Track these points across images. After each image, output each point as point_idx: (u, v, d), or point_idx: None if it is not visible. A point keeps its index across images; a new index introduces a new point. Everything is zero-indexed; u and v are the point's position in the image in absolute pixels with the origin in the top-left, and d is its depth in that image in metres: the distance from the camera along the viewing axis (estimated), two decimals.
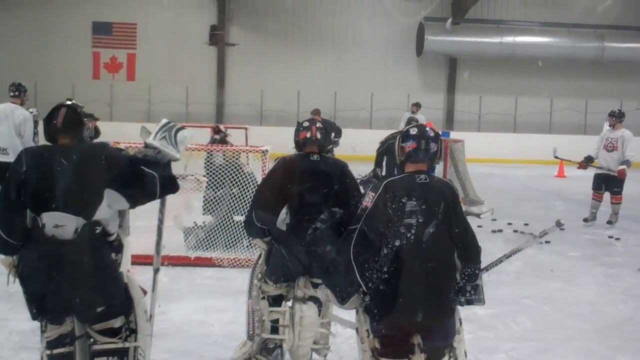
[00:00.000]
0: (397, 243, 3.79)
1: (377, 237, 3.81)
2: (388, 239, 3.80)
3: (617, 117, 12.37)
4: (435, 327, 3.92)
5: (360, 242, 3.82)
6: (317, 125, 5.14)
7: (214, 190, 9.16)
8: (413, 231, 3.79)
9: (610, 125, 12.43)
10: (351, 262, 3.82)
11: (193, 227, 9.44)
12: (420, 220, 3.80)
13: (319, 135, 5.09)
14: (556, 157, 13.38)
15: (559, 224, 4.33)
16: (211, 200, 9.21)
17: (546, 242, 10.43)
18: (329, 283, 4.17)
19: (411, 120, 11.52)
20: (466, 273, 3.93)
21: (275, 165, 5.20)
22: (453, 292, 3.92)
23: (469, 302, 4.00)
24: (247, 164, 9.58)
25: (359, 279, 3.82)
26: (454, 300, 3.94)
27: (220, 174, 9.09)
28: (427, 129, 4.11)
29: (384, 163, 10.42)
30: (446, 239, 3.86)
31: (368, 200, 3.88)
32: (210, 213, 9.30)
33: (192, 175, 9.98)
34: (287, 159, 5.13)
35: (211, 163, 9.45)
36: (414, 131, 4.05)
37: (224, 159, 9.35)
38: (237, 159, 9.30)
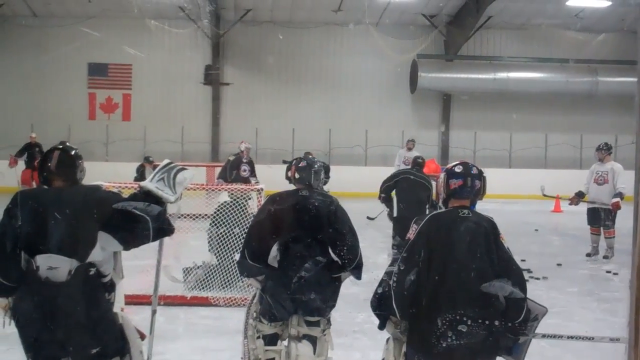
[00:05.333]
0: (433, 278, 3.89)
1: (411, 267, 3.92)
2: (423, 272, 3.91)
3: (605, 151, 12.40)
4: None
5: (401, 270, 3.93)
6: (299, 165, 5.27)
7: (217, 227, 9.13)
8: (444, 269, 3.88)
9: (599, 159, 12.46)
10: (390, 288, 3.95)
11: (192, 266, 9.40)
12: (455, 259, 3.89)
13: (297, 175, 5.24)
14: (545, 195, 13.46)
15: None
16: (214, 237, 9.18)
17: (543, 277, 10.41)
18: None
19: (417, 159, 11.62)
20: (501, 327, 3.92)
21: (264, 203, 5.27)
22: (488, 340, 3.90)
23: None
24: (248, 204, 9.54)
25: (394, 305, 3.92)
26: (491, 347, 3.94)
27: (223, 211, 9.08)
28: (471, 166, 4.24)
29: (394, 200, 10.59)
30: (477, 283, 3.87)
31: (411, 233, 4.02)
32: (214, 251, 9.25)
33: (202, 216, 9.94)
34: (276, 196, 5.19)
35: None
36: (459, 169, 4.19)
37: (229, 196, 9.34)
38: (242, 198, 9.28)
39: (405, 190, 10.68)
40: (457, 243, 3.91)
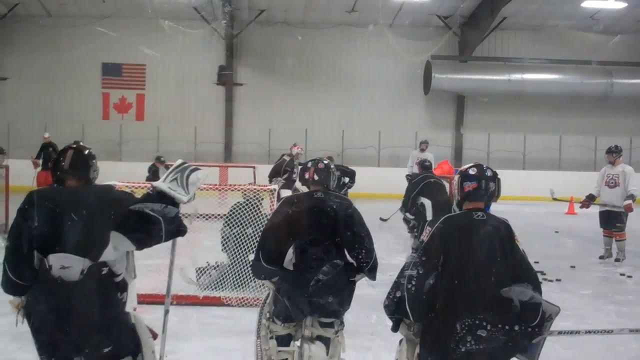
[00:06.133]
0: (451, 282, 3.86)
1: (429, 271, 3.90)
2: (440, 275, 3.89)
3: (615, 153, 12.35)
4: None
5: (420, 274, 3.90)
6: (318, 167, 5.23)
7: (230, 227, 9.13)
8: (463, 273, 3.86)
9: (609, 162, 12.39)
10: (403, 291, 3.92)
11: (206, 266, 9.39)
12: (474, 264, 3.86)
13: (315, 177, 5.21)
14: (554, 199, 13.48)
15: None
16: (228, 237, 9.17)
17: (557, 280, 10.36)
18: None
19: (424, 162, 11.63)
20: (515, 330, 3.89)
21: (279, 205, 5.25)
22: (508, 345, 3.87)
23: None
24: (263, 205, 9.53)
25: (407, 308, 3.90)
26: (510, 351, 3.92)
27: (237, 212, 9.07)
28: (485, 168, 4.23)
29: (424, 205, 10.54)
30: (496, 287, 3.85)
31: (425, 235, 4.01)
32: (227, 251, 9.24)
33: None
34: (292, 199, 5.19)
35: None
36: (473, 171, 4.18)
37: (244, 197, 9.35)
38: (256, 199, 9.27)
39: (430, 195, 10.71)
40: (475, 247, 3.88)
